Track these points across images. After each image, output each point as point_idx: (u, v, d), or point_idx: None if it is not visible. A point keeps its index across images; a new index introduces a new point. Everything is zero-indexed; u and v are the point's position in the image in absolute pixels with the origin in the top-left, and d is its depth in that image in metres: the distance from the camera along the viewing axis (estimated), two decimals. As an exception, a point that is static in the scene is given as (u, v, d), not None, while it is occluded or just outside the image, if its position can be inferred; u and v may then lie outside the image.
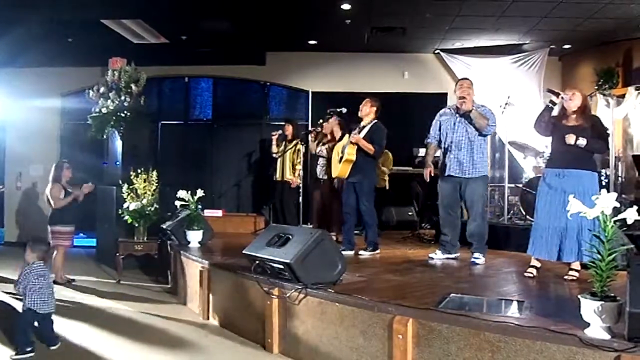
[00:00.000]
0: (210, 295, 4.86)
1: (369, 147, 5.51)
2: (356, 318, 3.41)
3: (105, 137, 7.89)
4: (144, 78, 7.91)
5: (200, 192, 6.12)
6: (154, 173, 6.74)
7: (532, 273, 4.45)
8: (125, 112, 7.59)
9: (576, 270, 4.30)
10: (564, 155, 4.33)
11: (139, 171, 6.70)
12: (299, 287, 3.74)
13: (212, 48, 8.76)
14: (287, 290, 3.84)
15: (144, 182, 6.61)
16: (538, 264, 4.49)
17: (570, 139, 4.22)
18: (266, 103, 9.80)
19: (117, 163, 7.81)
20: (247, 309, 4.27)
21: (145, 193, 6.55)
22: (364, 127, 5.65)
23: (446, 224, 5.35)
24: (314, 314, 3.68)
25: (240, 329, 4.37)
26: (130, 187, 6.58)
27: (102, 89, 7.75)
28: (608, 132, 4.62)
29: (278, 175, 7.59)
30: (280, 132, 7.74)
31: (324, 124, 6.74)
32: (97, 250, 7.93)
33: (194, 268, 5.22)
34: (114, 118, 7.58)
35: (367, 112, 5.66)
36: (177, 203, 6.18)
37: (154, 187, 6.65)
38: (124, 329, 4.45)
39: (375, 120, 5.67)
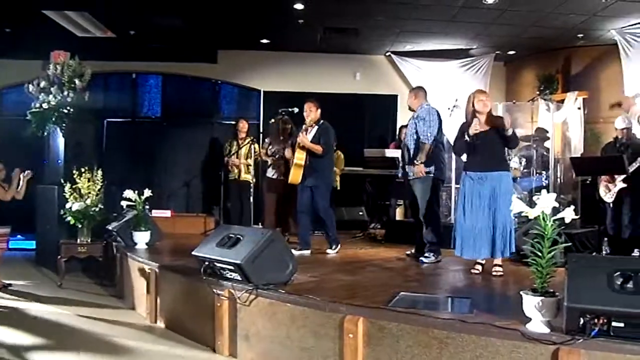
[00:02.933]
0: (158, 298, 4.74)
1: (316, 148, 5.56)
2: (307, 318, 3.41)
3: (46, 134, 7.57)
4: (88, 73, 7.62)
5: (147, 192, 5.98)
6: (99, 172, 6.52)
7: (478, 270, 4.62)
8: (68, 108, 7.29)
9: (500, 265, 4.53)
10: (483, 159, 4.55)
11: (83, 170, 6.48)
12: (250, 288, 3.70)
13: (161, 44, 8.59)
14: (237, 291, 3.79)
15: (88, 181, 6.39)
16: (483, 261, 4.64)
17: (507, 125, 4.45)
18: (217, 102, 9.70)
19: (59, 161, 7.51)
20: (197, 311, 4.20)
21: (90, 193, 6.33)
22: (311, 128, 5.69)
23: (417, 227, 5.47)
24: (265, 315, 3.66)
25: (189, 331, 4.29)
26: (73, 186, 6.35)
27: (43, 83, 7.41)
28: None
29: (235, 175, 7.51)
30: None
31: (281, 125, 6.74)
32: (36, 253, 7.59)
33: (141, 270, 5.09)
34: (56, 114, 7.26)
35: (315, 117, 5.70)
36: (124, 203, 6.02)
37: (98, 187, 6.44)
38: (65, 336, 4.27)
39: (322, 121, 5.73)
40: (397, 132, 8.65)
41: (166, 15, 7.34)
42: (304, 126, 5.71)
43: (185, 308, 4.41)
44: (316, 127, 5.68)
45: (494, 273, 4.49)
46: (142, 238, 5.85)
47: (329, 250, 5.77)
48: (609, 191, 5.89)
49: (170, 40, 8.49)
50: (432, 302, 3.50)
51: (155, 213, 7.19)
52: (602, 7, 6.89)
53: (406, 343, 2.98)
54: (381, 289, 3.85)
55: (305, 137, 5.60)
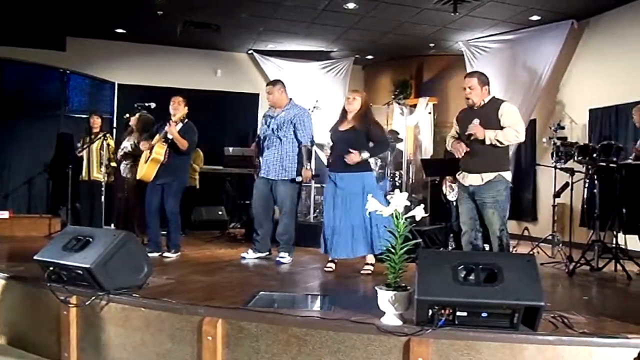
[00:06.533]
0: (-7, 309, 4.26)
1: (182, 142, 5.33)
2: (163, 322, 3.26)
3: None
4: None
5: (-20, 191, 5.34)
6: None
7: (331, 267, 4.74)
8: None
9: (371, 264, 4.68)
10: (343, 159, 4.59)
11: None
12: (101, 294, 3.45)
13: (-3, 26, 7.69)
14: (86, 298, 3.52)
15: None
16: (336, 259, 4.78)
17: (355, 157, 4.51)
18: (65, 93, 8.90)
19: None
20: (40, 321, 3.82)
21: None
22: (175, 124, 5.43)
23: (258, 223, 5.41)
24: (117, 322, 3.43)
25: (32, 345, 3.88)
26: None
27: None
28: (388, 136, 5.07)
29: (84, 174, 6.96)
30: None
31: (131, 118, 6.37)
32: None
33: (-30, 279, 4.51)
34: None
35: (183, 113, 5.45)
36: (-50, 204, 5.32)
37: None
38: None
39: (187, 120, 5.53)
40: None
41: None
42: (172, 121, 5.40)
43: (26, 319, 3.99)
44: (181, 124, 5.47)
45: (362, 271, 4.62)
46: (-28, 243, 5.21)
47: (167, 254, 5.43)
48: (452, 190, 6.41)
49: (9, 21, 7.63)
50: (291, 301, 3.54)
51: (-10, 214, 6.47)
52: (451, 20, 7.50)
53: (266, 342, 2.97)
54: (241, 289, 3.82)
55: (174, 128, 5.33)
